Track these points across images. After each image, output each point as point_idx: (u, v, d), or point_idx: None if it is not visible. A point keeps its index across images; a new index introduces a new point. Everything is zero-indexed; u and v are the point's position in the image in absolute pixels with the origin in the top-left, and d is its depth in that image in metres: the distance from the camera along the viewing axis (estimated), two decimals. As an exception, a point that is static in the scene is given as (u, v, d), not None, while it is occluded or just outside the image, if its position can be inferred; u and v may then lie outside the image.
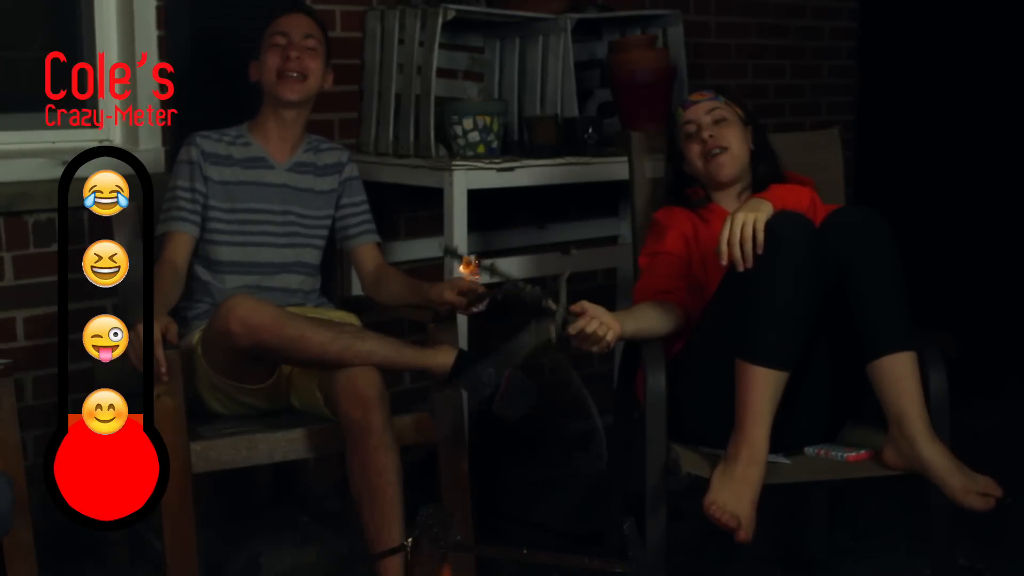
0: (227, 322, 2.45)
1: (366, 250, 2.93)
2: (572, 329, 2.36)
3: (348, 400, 2.44)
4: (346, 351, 2.49)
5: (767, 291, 2.33)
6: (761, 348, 2.32)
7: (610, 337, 2.39)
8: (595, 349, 2.40)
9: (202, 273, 2.79)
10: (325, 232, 2.91)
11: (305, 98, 2.82)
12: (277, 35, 2.79)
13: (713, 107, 2.72)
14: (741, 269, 2.36)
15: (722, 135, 2.69)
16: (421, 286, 2.79)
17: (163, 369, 2.37)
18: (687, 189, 2.77)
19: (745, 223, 2.35)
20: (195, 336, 2.68)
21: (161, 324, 2.39)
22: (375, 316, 2.93)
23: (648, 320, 2.52)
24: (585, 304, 2.39)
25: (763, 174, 2.72)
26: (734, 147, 2.70)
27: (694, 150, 2.71)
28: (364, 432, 2.43)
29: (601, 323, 2.38)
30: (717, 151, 2.68)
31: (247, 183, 2.80)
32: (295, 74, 2.77)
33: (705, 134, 2.69)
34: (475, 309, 2.65)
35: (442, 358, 2.55)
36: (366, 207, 2.95)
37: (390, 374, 2.55)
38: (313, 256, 2.89)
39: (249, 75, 2.84)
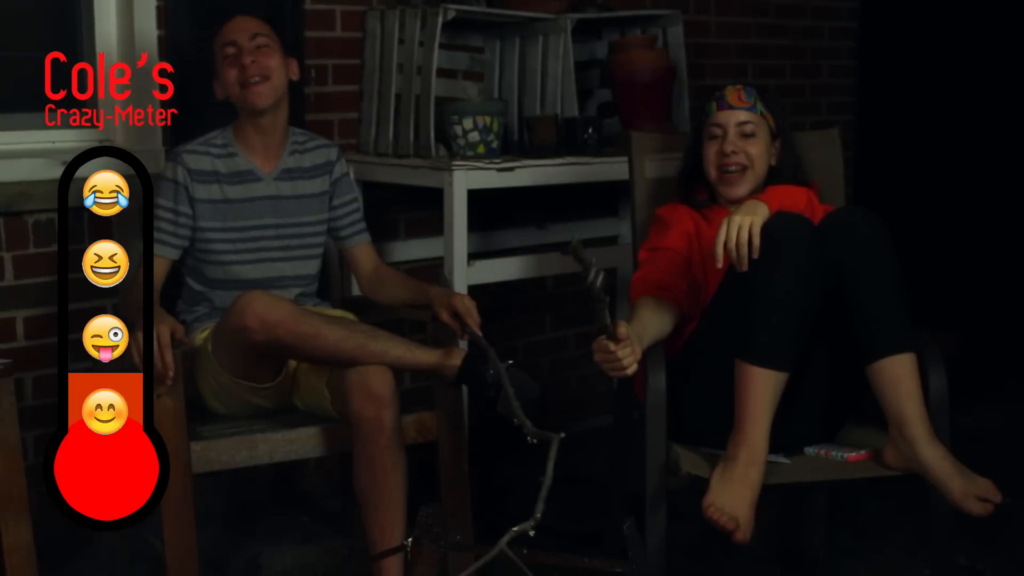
0: (243, 318, 2.44)
1: (361, 250, 2.91)
2: (611, 344, 2.27)
3: (361, 397, 2.44)
4: (360, 349, 2.49)
5: (767, 292, 2.33)
6: (760, 349, 2.32)
7: (631, 371, 2.33)
8: (612, 374, 2.33)
9: (195, 286, 2.77)
10: (321, 239, 2.86)
11: (275, 99, 2.73)
12: (226, 46, 2.71)
13: (746, 120, 2.63)
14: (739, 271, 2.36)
15: (746, 152, 2.63)
16: (422, 286, 2.80)
17: (170, 373, 2.37)
18: (694, 188, 2.74)
19: (741, 226, 2.35)
20: (196, 338, 2.68)
21: (168, 325, 2.40)
22: (374, 316, 2.93)
23: (653, 328, 2.48)
24: (623, 328, 2.29)
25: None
26: (755, 166, 2.64)
27: (712, 155, 2.66)
28: (375, 430, 2.43)
29: (632, 351, 2.32)
30: (735, 169, 2.63)
31: (236, 200, 2.72)
32: (257, 79, 2.69)
33: (728, 148, 2.63)
34: (465, 338, 2.67)
35: (451, 359, 2.55)
36: (357, 205, 2.91)
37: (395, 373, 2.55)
38: (311, 267, 2.85)
39: (215, 94, 2.76)
